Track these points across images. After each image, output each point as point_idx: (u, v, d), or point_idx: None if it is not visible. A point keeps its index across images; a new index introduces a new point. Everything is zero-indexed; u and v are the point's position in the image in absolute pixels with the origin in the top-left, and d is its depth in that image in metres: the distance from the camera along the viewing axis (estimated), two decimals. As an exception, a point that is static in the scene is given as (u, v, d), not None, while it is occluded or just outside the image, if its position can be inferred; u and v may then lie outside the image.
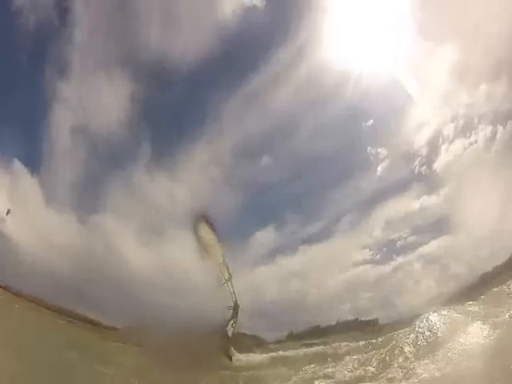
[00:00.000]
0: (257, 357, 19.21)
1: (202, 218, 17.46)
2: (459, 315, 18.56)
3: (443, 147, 22.03)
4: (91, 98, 20.71)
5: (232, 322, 18.03)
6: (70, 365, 14.57)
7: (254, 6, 20.63)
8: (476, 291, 19.46)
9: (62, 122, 20.29)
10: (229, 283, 18.25)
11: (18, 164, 19.73)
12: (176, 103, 21.22)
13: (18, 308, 18.46)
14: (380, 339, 19.12)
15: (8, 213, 18.42)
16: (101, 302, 18.60)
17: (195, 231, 17.37)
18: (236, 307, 18.29)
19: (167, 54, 20.28)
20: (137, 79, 20.34)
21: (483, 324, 16.83)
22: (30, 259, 18.82)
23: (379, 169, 22.29)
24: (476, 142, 21.75)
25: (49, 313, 18.65)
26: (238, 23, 20.43)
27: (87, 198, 19.99)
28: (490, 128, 21.63)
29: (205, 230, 17.47)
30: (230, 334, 18.09)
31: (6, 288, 18.87)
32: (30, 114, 20.18)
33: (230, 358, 18.03)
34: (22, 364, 13.16)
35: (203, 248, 17.59)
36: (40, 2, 19.91)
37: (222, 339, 17.85)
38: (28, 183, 19.72)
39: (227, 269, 18.35)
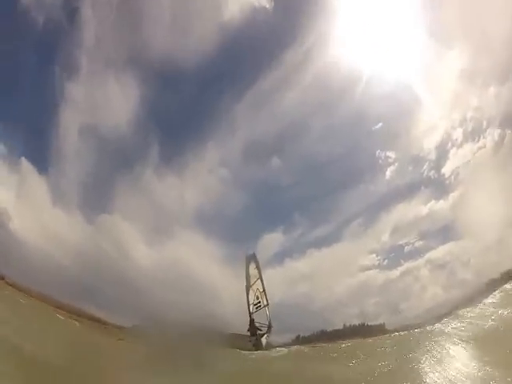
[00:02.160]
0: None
1: (252, 258, 19.71)
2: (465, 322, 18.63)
3: (452, 152, 21.88)
4: (100, 99, 20.65)
5: (266, 335, 19.25)
6: (76, 363, 14.65)
7: (263, 8, 20.41)
8: (481, 297, 19.47)
9: (70, 122, 20.21)
10: (266, 308, 19.46)
11: (25, 163, 19.78)
12: (185, 105, 21.07)
13: (24, 304, 18.65)
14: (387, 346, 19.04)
15: None
16: (108, 301, 18.72)
17: (246, 268, 19.55)
18: (270, 327, 19.44)
19: (175, 55, 20.22)
20: (145, 80, 20.29)
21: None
22: (38, 257, 18.87)
23: (388, 172, 22.11)
24: (484, 146, 21.65)
25: (56, 310, 18.73)
26: (246, 24, 20.30)
27: (95, 197, 19.98)
28: (498, 132, 21.58)
29: (253, 267, 19.61)
30: (263, 345, 19.28)
31: (13, 285, 19.07)
32: (39, 114, 20.07)
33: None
34: (25, 361, 13.38)
35: (249, 280, 19.49)
36: (48, 2, 19.75)
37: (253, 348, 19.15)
38: (36, 182, 19.75)
39: (265, 296, 19.45)
